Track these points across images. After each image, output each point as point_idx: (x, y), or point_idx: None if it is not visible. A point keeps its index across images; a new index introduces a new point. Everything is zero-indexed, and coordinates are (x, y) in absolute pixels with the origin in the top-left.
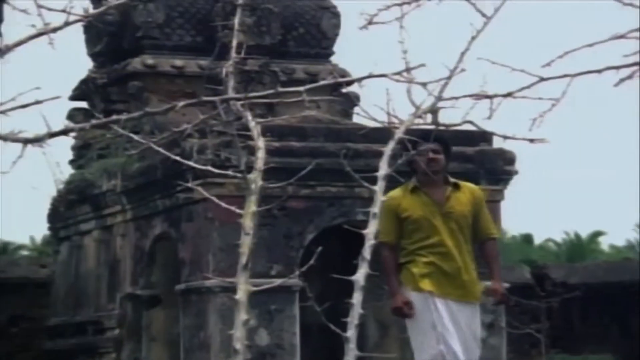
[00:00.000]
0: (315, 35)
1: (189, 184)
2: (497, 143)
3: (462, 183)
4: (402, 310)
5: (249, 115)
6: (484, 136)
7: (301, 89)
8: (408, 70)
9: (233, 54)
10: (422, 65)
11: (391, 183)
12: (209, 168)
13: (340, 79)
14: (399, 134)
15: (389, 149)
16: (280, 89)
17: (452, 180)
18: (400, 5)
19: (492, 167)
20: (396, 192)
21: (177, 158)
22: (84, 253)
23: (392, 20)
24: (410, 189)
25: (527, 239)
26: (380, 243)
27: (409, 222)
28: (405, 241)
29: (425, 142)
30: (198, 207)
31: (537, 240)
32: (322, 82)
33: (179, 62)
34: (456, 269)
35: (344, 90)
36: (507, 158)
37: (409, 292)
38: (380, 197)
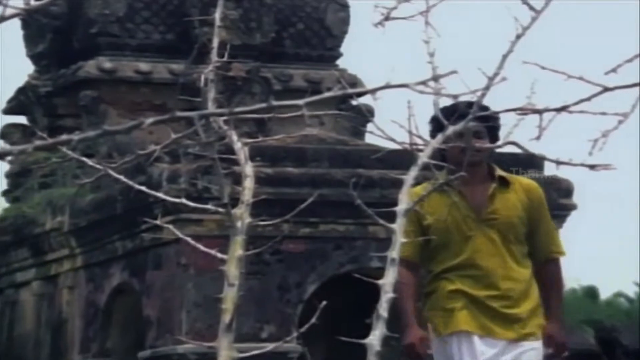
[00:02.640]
0: (318, 32)
1: (157, 221)
2: (549, 170)
3: (513, 177)
4: (415, 348)
5: (234, 134)
6: (533, 161)
7: (300, 102)
8: (435, 78)
9: (214, 56)
10: (453, 72)
11: None
12: (183, 201)
13: (350, 89)
14: (423, 158)
15: (410, 177)
16: (274, 102)
17: (499, 172)
18: None
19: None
20: (420, 189)
21: (142, 188)
22: (20, 310)
23: (416, 15)
24: (438, 184)
25: (591, 293)
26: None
27: (432, 232)
28: (430, 261)
29: (462, 121)
30: (168, 251)
31: (604, 294)
32: (326, 94)
33: (144, 66)
34: (497, 298)
35: (354, 102)
36: (563, 189)
37: (432, 338)
38: (399, 239)
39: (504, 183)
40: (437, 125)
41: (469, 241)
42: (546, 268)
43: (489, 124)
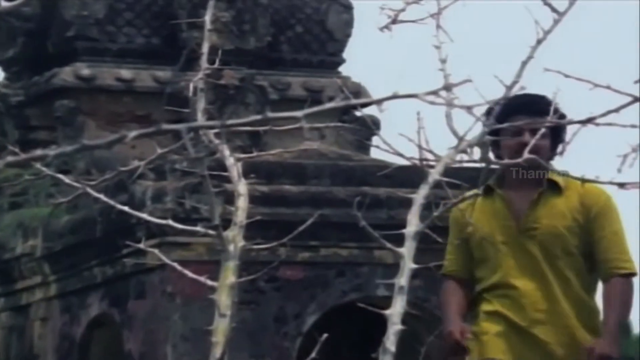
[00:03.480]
0: (318, 36)
1: (140, 245)
2: None
3: (571, 182)
4: (453, 335)
5: (225, 149)
6: None
7: (298, 113)
8: (447, 87)
9: (204, 62)
10: (467, 81)
11: (425, 244)
12: (169, 222)
13: (354, 100)
14: (434, 175)
15: (421, 196)
16: (270, 113)
17: (551, 175)
18: None
19: None
20: (465, 204)
21: (124, 208)
22: None
23: (426, 18)
24: (484, 189)
25: (623, 328)
26: (442, 275)
27: (471, 243)
28: (475, 279)
29: (520, 115)
30: (153, 278)
31: (637, 329)
32: (328, 104)
33: (126, 74)
34: (537, 322)
35: (358, 113)
36: None
37: None
38: (409, 264)
39: (555, 187)
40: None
41: (505, 256)
42: (609, 285)
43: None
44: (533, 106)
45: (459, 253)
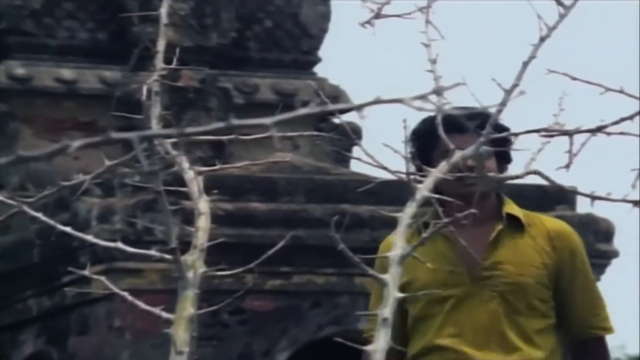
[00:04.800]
0: (290, 32)
1: (85, 272)
2: (582, 206)
3: (534, 217)
4: None
5: (184, 161)
6: (561, 195)
7: (268, 120)
8: (437, 91)
9: (159, 61)
10: (460, 84)
11: None
12: (118, 245)
13: (331, 105)
14: (423, 191)
15: (407, 215)
16: (235, 119)
17: (509, 209)
18: None
19: None
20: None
21: (66, 229)
22: None
23: (414, 12)
24: (421, 225)
25: None
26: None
27: (408, 298)
28: (408, 340)
29: (458, 134)
30: (98, 310)
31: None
32: (302, 110)
33: (68, 74)
34: None
35: (336, 121)
36: (601, 231)
37: None
38: (394, 293)
39: (516, 224)
40: (420, 143)
41: (454, 312)
42: (585, 350)
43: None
44: (468, 121)
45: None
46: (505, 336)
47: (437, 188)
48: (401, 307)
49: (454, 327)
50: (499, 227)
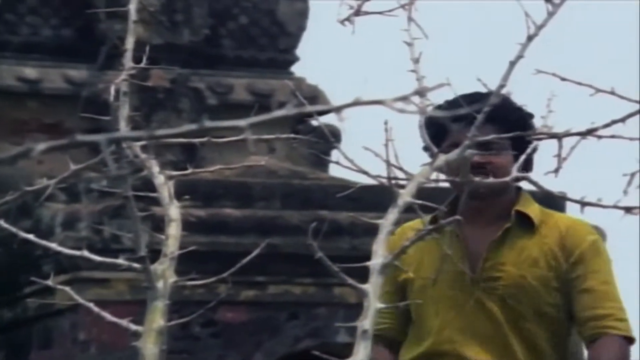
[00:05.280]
0: (267, 29)
1: (48, 282)
2: (572, 213)
3: (548, 215)
4: None
5: (154, 165)
6: (550, 201)
7: (243, 122)
8: (420, 92)
9: (127, 60)
10: (444, 84)
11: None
12: (84, 253)
13: (309, 106)
14: (405, 196)
15: (389, 222)
16: (208, 121)
17: (520, 206)
18: None
19: None
20: (409, 227)
21: (29, 237)
22: None
23: (396, 9)
24: (430, 221)
25: None
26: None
27: (409, 294)
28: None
29: (467, 126)
30: (62, 323)
31: None
32: (278, 111)
33: (31, 73)
34: None
35: (315, 123)
36: None
37: None
38: (374, 304)
39: (526, 223)
40: (432, 132)
41: (452, 315)
42: (596, 347)
43: (515, 130)
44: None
45: (391, 308)
46: (509, 345)
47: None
48: (405, 299)
49: (455, 332)
50: (507, 225)
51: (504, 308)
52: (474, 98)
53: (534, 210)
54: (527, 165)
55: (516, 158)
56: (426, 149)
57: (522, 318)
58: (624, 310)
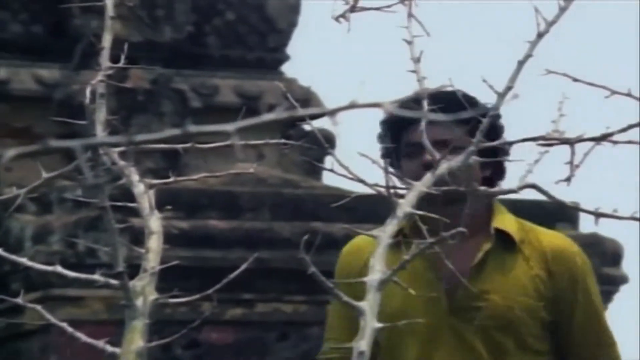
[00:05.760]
0: (255, 26)
1: (17, 300)
2: (585, 225)
3: (530, 231)
4: None
5: (134, 173)
6: (562, 212)
7: (229, 126)
8: (421, 95)
9: (104, 59)
10: (447, 86)
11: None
12: (57, 269)
13: (302, 110)
14: (405, 207)
15: (387, 234)
16: (192, 126)
17: (498, 222)
18: None
19: None
20: (361, 242)
21: None
22: None
23: (395, 5)
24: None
25: None
26: None
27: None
28: None
29: (431, 123)
30: (32, 344)
31: None
32: (267, 115)
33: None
34: None
35: (307, 127)
36: (607, 253)
37: None
38: (371, 323)
39: (506, 241)
40: (389, 134)
41: (429, 348)
42: None
43: (482, 125)
44: (445, 105)
45: (347, 327)
46: None
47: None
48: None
49: None
50: (487, 246)
51: (486, 342)
52: (439, 96)
53: (512, 225)
54: (499, 171)
55: (488, 163)
56: (385, 150)
57: (505, 352)
58: (615, 348)
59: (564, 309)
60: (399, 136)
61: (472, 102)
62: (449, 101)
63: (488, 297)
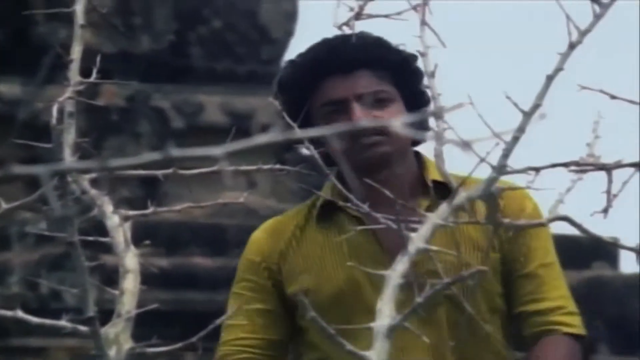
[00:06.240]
0: (246, 34)
1: None
2: (626, 263)
3: (470, 181)
4: None
5: (107, 203)
6: (598, 248)
7: (216, 150)
8: (436, 114)
9: (74, 73)
10: (465, 104)
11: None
12: (17, 314)
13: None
14: (418, 242)
15: (397, 273)
16: (174, 149)
17: (434, 175)
18: None
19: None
20: (277, 224)
21: None
22: None
23: (405, 12)
24: (317, 210)
25: None
26: None
27: (302, 306)
28: None
29: (343, 75)
30: None
31: None
32: (260, 137)
33: None
34: None
35: (304, 151)
36: None
37: None
38: None
39: (445, 195)
40: (290, 96)
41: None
42: (548, 350)
43: (392, 70)
44: (350, 49)
45: (256, 315)
46: (444, 351)
47: (328, 156)
48: (278, 307)
49: (397, 352)
50: (425, 203)
51: (452, 312)
52: (347, 40)
53: (449, 177)
54: (423, 123)
55: (406, 105)
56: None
57: (478, 322)
58: (571, 301)
59: (514, 259)
60: (304, 101)
61: (382, 44)
62: (357, 47)
63: (441, 257)
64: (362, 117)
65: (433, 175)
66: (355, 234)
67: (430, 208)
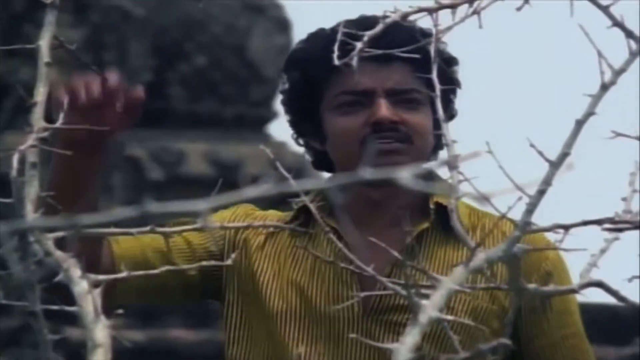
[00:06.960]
0: (233, 73)
1: None
2: None
3: (484, 215)
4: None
5: (74, 266)
6: (636, 319)
7: (200, 204)
8: (450, 163)
9: (37, 117)
10: (483, 152)
11: None
12: None
13: (294, 182)
14: (431, 310)
15: (406, 346)
16: (152, 203)
17: (440, 198)
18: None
19: None
20: (245, 210)
21: None
22: None
23: (415, 47)
24: (294, 213)
25: None
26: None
27: (262, 300)
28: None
29: (377, 64)
30: None
31: None
32: (250, 190)
33: None
34: None
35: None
36: None
37: None
38: None
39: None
40: (304, 78)
41: (325, 350)
42: None
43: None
44: (390, 39)
45: (179, 252)
46: None
47: (320, 154)
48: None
49: None
50: (423, 226)
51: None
52: (364, 24)
53: (460, 207)
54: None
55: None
56: (293, 112)
57: None
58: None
59: (530, 317)
60: (319, 82)
61: (414, 33)
62: (393, 35)
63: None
64: (387, 114)
65: (439, 198)
66: (327, 246)
67: (426, 232)
